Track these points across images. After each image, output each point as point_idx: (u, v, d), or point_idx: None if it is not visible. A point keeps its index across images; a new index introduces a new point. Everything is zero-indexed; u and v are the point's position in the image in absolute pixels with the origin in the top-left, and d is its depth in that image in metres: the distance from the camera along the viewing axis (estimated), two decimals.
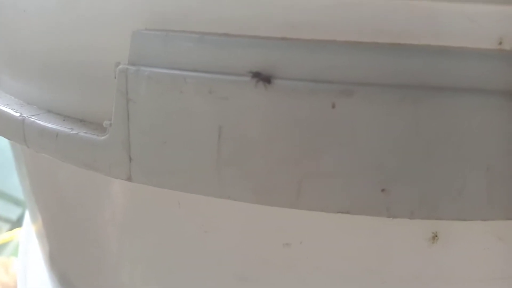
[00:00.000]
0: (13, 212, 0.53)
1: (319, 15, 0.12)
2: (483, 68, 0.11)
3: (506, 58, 0.11)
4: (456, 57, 0.11)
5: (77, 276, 0.23)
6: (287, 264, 0.15)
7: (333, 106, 0.11)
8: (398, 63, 0.11)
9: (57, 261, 0.25)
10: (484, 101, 0.11)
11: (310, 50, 0.11)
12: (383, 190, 0.12)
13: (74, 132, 0.14)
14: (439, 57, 0.11)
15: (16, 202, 0.54)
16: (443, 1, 0.11)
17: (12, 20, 0.16)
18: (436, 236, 0.14)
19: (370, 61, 0.11)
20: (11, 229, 0.51)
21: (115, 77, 0.12)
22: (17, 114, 0.15)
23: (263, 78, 0.11)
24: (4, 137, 0.16)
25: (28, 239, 0.32)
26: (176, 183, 0.13)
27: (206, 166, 0.12)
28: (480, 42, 0.12)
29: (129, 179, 0.13)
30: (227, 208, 0.14)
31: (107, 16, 0.13)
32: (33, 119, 0.15)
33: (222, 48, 0.12)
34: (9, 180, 0.51)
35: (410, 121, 0.11)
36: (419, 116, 0.11)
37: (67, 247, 0.23)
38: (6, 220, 0.52)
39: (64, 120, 0.15)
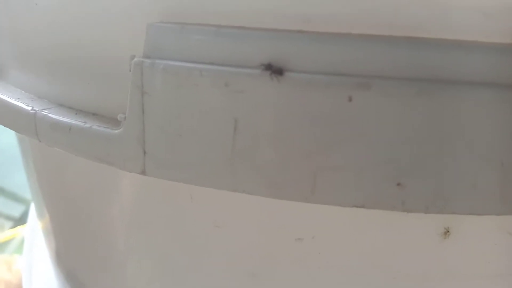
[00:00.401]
0: (15, 210, 0.53)
1: (334, 8, 0.12)
2: (497, 62, 0.11)
3: None
4: (470, 51, 0.11)
5: (84, 272, 0.23)
6: (299, 259, 0.15)
7: (350, 100, 0.11)
8: (414, 57, 0.11)
9: (64, 257, 0.25)
10: (498, 95, 0.11)
11: (325, 42, 0.11)
12: (398, 184, 0.12)
13: (87, 125, 0.14)
14: (453, 51, 0.11)
15: (18, 199, 0.54)
16: None
17: (22, 14, 0.16)
18: (448, 231, 0.14)
19: (386, 54, 0.11)
20: (13, 226, 0.51)
21: (130, 70, 0.12)
22: (29, 108, 0.15)
23: (275, 70, 0.11)
24: (15, 131, 0.16)
25: (33, 236, 0.32)
26: (191, 177, 0.13)
27: (221, 159, 0.12)
28: (494, 36, 0.12)
29: (143, 172, 0.13)
30: (239, 202, 0.14)
31: (121, 8, 0.13)
32: (45, 113, 0.15)
33: (237, 41, 0.12)
34: (11, 178, 0.51)
35: (425, 114, 0.11)
36: (434, 110, 0.11)
37: (75, 243, 0.23)
38: (9, 218, 0.52)
39: (76, 113, 0.15)
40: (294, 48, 0.11)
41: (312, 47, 0.11)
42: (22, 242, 0.44)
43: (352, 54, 0.11)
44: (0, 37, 0.18)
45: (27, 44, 0.16)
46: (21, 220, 0.51)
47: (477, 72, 0.11)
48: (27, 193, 0.52)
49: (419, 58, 0.11)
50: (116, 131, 0.13)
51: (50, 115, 0.15)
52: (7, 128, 0.17)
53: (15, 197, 0.54)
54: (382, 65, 0.11)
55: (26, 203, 0.52)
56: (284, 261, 0.15)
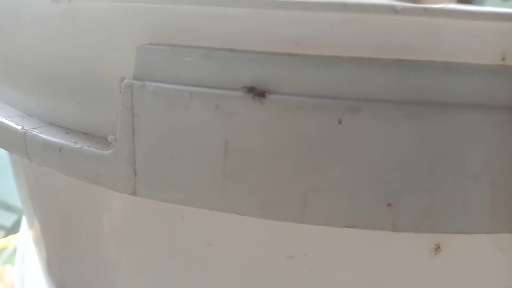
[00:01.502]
0: (7, 219, 0.52)
1: (324, 31, 0.12)
2: (487, 83, 0.12)
3: (509, 74, 0.12)
4: (459, 73, 0.12)
5: (74, 285, 0.23)
6: (291, 276, 0.15)
7: (340, 122, 0.11)
8: (403, 79, 0.11)
9: (55, 269, 0.25)
10: (487, 116, 0.11)
11: (313, 65, 0.11)
12: (389, 204, 0.12)
13: (78, 146, 0.14)
14: (443, 73, 0.11)
15: (10, 208, 0.53)
16: (447, 18, 0.11)
17: (12, 31, 0.16)
18: (439, 247, 0.14)
19: (376, 77, 0.11)
20: (5, 236, 0.50)
21: (120, 92, 0.12)
22: (19, 127, 0.15)
23: (258, 93, 0.11)
24: (6, 150, 0.16)
25: (25, 247, 0.31)
26: (182, 198, 0.13)
27: (212, 180, 0.12)
28: (483, 58, 0.12)
29: (134, 193, 0.13)
30: (231, 221, 0.14)
31: (110, 29, 0.13)
32: (35, 132, 0.15)
33: (225, 63, 0.12)
34: (3, 186, 0.51)
35: (415, 137, 0.11)
36: (424, 132, 0.11)
37: (66, 256, 0.23)
38: (1, 227, 0.51)
39: (67, 133, 0.15)
40: (280, 71, 0.11)
41: (300, 70, 0.11)
42: (14, 252, 0.44)
43: (341, 77, 0.11)
44: None
45: (18, 61, 0.16)
46: (12, 229, 0.51)
47: (466, 94, 0.11)
48: (19, 202, 0.51)
49: (408, 81, 0.11)
50: (107, 152, 0.13)
51: (40, 134, 0.14)
52: None
53: (6, 206, 0.53)
54: (371, 88, 0.11)
55: (18, 212, 0.52)
56: (277, 279, 0.15)
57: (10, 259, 0.44)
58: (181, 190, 0.13)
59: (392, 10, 0.11)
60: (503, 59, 0.12)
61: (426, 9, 0.11)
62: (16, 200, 0.51)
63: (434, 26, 0.12)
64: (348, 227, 0.12)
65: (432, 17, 0.11)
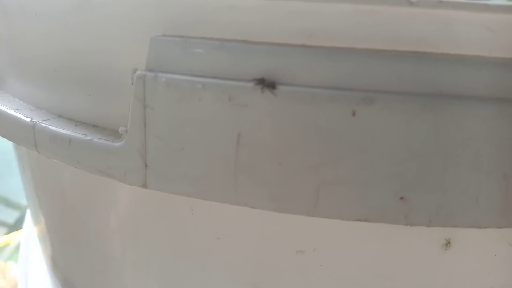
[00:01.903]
0: (10, 216, 0.52)
1: (337, 23, 0.12)
2: (501, 76, 0.11)
3: None
4: (473, 66, 0.11)
5: (80, 281, 0.23)
6: (300, 271, 0.15)
7: (354, 114, 0.11)
8: (418, 72, 0.11)
9: (60, 265, 0.25)
10: (501, 110, 0.11)
11: (327, 57, 0.11)
12: (401, 198, 0.12)
13: (88, 138, 0.14)
14: (458, 66, 0.11)
15: (12, 205, 0.53)
16: (461, 10, 0.11)
17: (22, 24, 0.16)
18: (449, 243, 0.14)
19: (390, 69, 0.11)
20: (8, 233, 0.50)
21: (132, 83, 0.12)
22: (28, 119, 0.15)
23: (268, 84, 0.11)
24: (14, 142, 0.16)
25: (29, 243, 0.31)
26: (193, 190, 0.13)
27: (224, 172, 0.12)
28: (498, 51, 0.12)
29: (144, 186, 0.13)
30: (240, 214, 0.14)
31: (123, 21, 0.13)
32: (44, 124, 0.15)
33: (238, 55, 0.12)
34: (5, 183, 0.51)
35: (429, 129, 0.11)
36: (438, 124, 0.11)
37: (72, 251, 0.23)
38: (3, 224, 0.51)
39: (76, 125, 0.15)
40: (292, 63, 0.11)
41: (313, 61, 0.11)
42: (16, 248, 0.44)
43: (355, 68, 0.11)
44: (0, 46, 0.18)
45: (27, 54, 0.16)
46: (15, 226, 0.51)
47: (480, 87, 0.11)
48: (21, 199, 0.51)
49: (423, 73, 0.11)
50: (117, 144, 0.13)
51: (49, 126, 0.14)
52: None
53: (9, 203, 0.53)
54: (386, 79, 0.11)
55: (21, 209, 0.51)
56: (286, 273, 0.15)
57: (13, 256, 0.44)
58: (192, 182, 0.12)
59: (407, 2, 0.11)
60: None
61: (441, 2, 0.11)
62: (18, 197, 0.51)
63: (448, 19, 0.12)
64: (360, 220, 0.12)
65: (447, 9, 0.11)
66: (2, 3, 0.16)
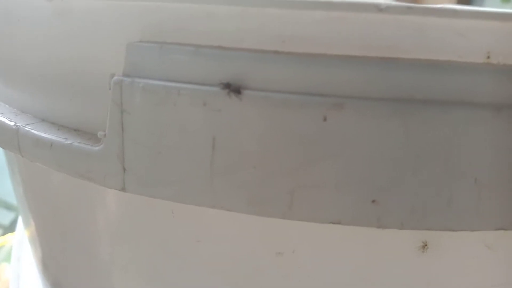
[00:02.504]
0: (5, 217, 0.52)
1: (309, 29, 0.12)
2: (471, 81, 0.12)
3: (493, 72, 0.12)
4: (444, 71, 0.12)
5: (69, 282, 0.23)
6: (280, 273, 0.15)
7: (325, 119, 0.11)
8: (388, 77, 0.11)
9: (50, 267, 0.25)
10: (472, 114, 0.12)
11: (298, 62, 0.12)
12: (373, 201, 0.12)
13: (68, 142, 0.14)
14: (428, 71, 0.12)
15: (8, 207, 0.53)
16: (431, 16, 0.12)
17: (6, 29, 0.16)
18: (426, 245, 0.14)
19: (360, 74, 0.11)
20: (3, 234, 0.50)
21: (109, 89, 0.12)
22: (12, 123, 0.15)
23: (233, 88, 0.11)
24: None
25: (21, 245, 0.32)
26: (170, 194, 0.13)
27: (200, 176, 0.12)
28: (468, 56, 0.12)
29: (123, 189, 0.13)
30: (220, 217, 0.15)
31: (102, 27, 0.14)
32: (27, 128, 0.15)
33: (211, 60, 0.12)
34: (1, 185, 0.51)
35: (400, 134, 0.11)
36: (408, 129, 0.11)
37: (60, 253, 0.23)
38: None
39: (58, 129, 0.15)
40: (261, 68, 0.12)
41: (283, 67, 0.11)
42: (11, 250, 0.44)
43: (327, 74, 0.11)
44: None
45: (12, 59, 0.17)
46: (10, 227, 0.51)
47: (451, 92, 0.12)
48: None
49: (393, 79, 0.11)
50: (96, 148, 0.13)
51: (32, 131, 0.15)
52: None
53: (4, 204, 0.53)
54: (357, 85, 0.11)
55: (16, 211, 0.52)
56: (266, 275, 0.15)
57: (8, 258, 0.44)
58: (169, 186, 0.13)
59: (376, 8, 0.11)
60: (488, 57, 0.12)
61: (410, 8, 0.11)
62: (14, 199, 0.51)
63: (418, 25, 0.12)
64: (334, 223, 0.12)
65: (416, 15, 0.12)
66: None
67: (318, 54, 0.12)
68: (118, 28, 0.13)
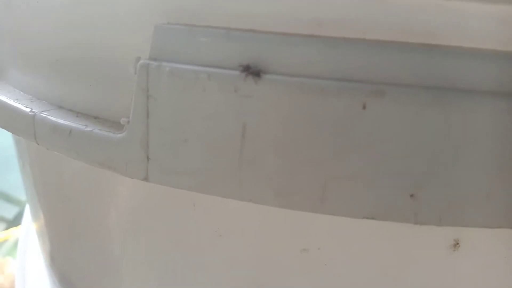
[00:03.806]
0: (9, 211, 0.52)
1: (347, 13, 0.11)
2: None
3: None
4: (486, 59, 0.11)
5: (78, 277, 0.23)
6: (304, 270, 0.14)
7: (364, 107, 0.11)
8: (429, 64, 0.11)
9: (58, 261, 0.24)
10: None
11: (336, 47, 0.11)
12: (411, 195, 0.11)
13: (88, 129, 0.13)
14: (470, 59, 0.11)
15: (12, 200, 0.53)
16: (474, 2, 0.11)
17: (23, 13, 0.16)
18: (458, 243, 0.14)
19: (401, 61, 0.11)
20: (6, 228, 0.50)
21: (135, 73, 0.12)
22: (28, 110, 0.15)
23: (264, 74, 0.11)
24: (13, 133, 0.16)
25: (27, 239, 0.31)
26: (196, 184, 0.12)
27: (228, 166, 0.12)
28: (511, 44, 0.11)
29: (145, 179, 0.13)
30: (243, 211, 0.14)
31: (126, 9, 0.13)
32: (44, 115, 0.14)
33: (244, 44, 0.11)
34: (5, 179, 0.50)
35: (440, 124, 0.11)
36: (449, 119, 0.11)
37: (70, 247, 0.22)
38: (2, 219, 0.51)
39: (77, 116, 0.14)
40: (299, 53, 0.11)
41: (321, 52, 0.11)
42: (15, 244, 0.43)
43: (366, 60, 0.11)
44: (0, 36, 0.17)
45: (28, 44, 0.16)
46: (14, 222, 0.50)
47: (493, 81, 0.11)
48: (20, 194, 0.51)
49: (434, 66, 0.11)
50: (119, 135, 0.13)
51: (49, 117, 0.14)
52: (0, 129, 0.16)
53: (8, 198, 0.53)
54: (396, 72, 0.11)
55: (20, 205, 0.51)
56: (289, 272, 0.15)
57: (11, 252, 0.44)
58: (195, 176, 0.12)
59: None
60: None
61: None
62: (17, 193, 0.51)
63: (461, 11, 0.11)
64: (368, 218, 0.12)
65: (459, 1, 0.11)
66: None
67: (357, 39, 0.11)
68: (142, 10, 0.13)
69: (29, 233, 0.31)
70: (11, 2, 0.16)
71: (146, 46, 0.12)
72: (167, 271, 0.17)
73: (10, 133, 0.17)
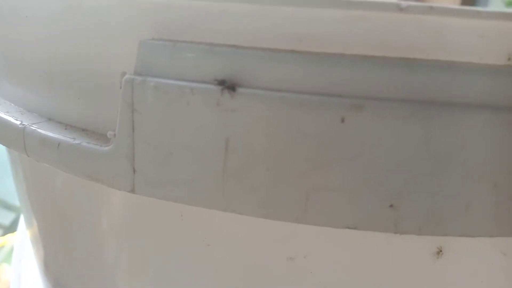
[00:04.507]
0: (5, 217, 0.52)
1: (327, 29, 0.11)
2: (492, 84, 0.11)
3: None
4: (464, 72, 0.11)
5: (71, 283, 0.23)
6: (291, 278, 0.15)
7: (343, 120, 0.11)
8: (408, 78, 0.11)
9: (51, 268, 0.25)
10: (492, 117, 0.11)
11: (316, 62, 0.11)
12: (391, 205, 0.11)
13: (76, 142, 0.13)
14: (448, 73, 0.11)
15: (8, 207, 0.53)
16: (451, 16, 0.11)
17: (13, 26, 0.16)
18: (441, 251, 0.14)
19: (379, 75, 0.11)
20: (3, 234, 0.50)
21: (120, 87, 0.12)
22: (18, 122, 0.15)
23: (228, 86, 0.11)
24: (4, 145, 0.16)
25: (22, 246, 0.31)
26: (181, 196, 0.12)
27: (212, 178, 0.12)
28: (489, 58, 0.12)
29: (132, 191, 0.13)
30: (230, 221, 0.14)
31: (114, 25, 0.13)
32: (34, 128, 0.15)
33: (227, 59, 0.12)
34: (2, 185, 0.50)
35: (419, 136, 0.11)
36: (428, 132, 0.11)
37: (63, 254, 0.22)
38: None
39: (66, 129, 0.15)
40: (278, 67, 0.11)
41: (301, 66, 0.11)
42: (11, 251, 0.43)
43: (345, 74, 0.11)
44: None
45: (19, 57, 0.16)
46: (11, 228, 0.50)
47: (471, 94, 0.11)
48: (17, 201, 0.51)
49: (413, 79, 0.11)
50: (105, 148, 0.13)
51: (38, 130, 0.14)
52: None
53: (5, 205, 0.53)
54: (375, 86, 0.11)
55: (17, 211, 0.51)
56: (276, 280, 0.15)
57: (8, 258, 0.44)
58: (180, 188, 0.12)
59: (397, 8, 0.11)
60: (509, 59, 0.12)
61: (431, 8, 0.11)
62: (14, 199, 0.51)
63: (439, 25, 0.11)
64: (350, 228, 0.12)
65: (437, 15, 0.11)
66: None
67: (336, 53, 0.11)
68: (129, 25, 0.13)
69: (24, 240, 0.31)
70: (2, 16, 0.16)
71: (133, 60, 0.12)
72: (158, 279, 0.17)
73: None
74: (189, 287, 0.16)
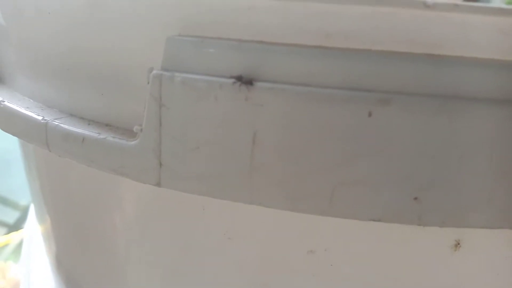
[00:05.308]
0: (10, 216, 0.52)
1: (355, 24, 0.12)
2: None
3: None
4: (489, 68, 0.12)
5: (85, 280, 0.23)
6: (311, 271, 0.15)
7: (370, 115, 0.11)
8: (434, 74, 0.11)
9: (64, 264, 0.25)
10: None
11: (343, 58, 0.11)
12: (415, 198, 0.12)
13: (102, 136, 0.14)
14: (473, 69, 0.12)
15: (12, 205, 0.53)
16: (476, 14, 0.12)
17: (34, 22, 0.16)
18: (459, 243, 0.14)
19: (406, 70, 0.11)
20: (7, 233, 0.50)
21: (148, 83, 0.12)
22: (40, 118, 0.15)
23: (245, 81, 0.11)
24: (25, 140, 0.16)
25: (31, 242, 0.31)
26: (207, 189, 0.13)
27: (239, 172, 0.12)
28: None
29: (158, 184, 0.13)
30: (251, 214, 0.14)
31: (138, 19, 0.13)
32: (56, 123, 0.15)
33: (256, 55, 0.12)
34: (5, 183, 0.50)
35: (444, 131, 0.11)
36: (453, 126, 0.11)
37: (77, 250, 0.23)
38: (3, 224, 0.51)
39: (89, 124, 0.15)
40: (308, 63, 0.11)
41: (330, 62, 0.11)
42: (16, 248, 0.43)
43: (372, 69, 0.11)
44: (9, 44, 0.18)
45: (40, 53, 0.16)
46: (15, 226, 0.50)
47: (495, 90, 0.11)
48: (21, 199, 0.51)
49: (439, 75, 0.11)
50: (132, 143, 0.13)
51: (62, 125, 0.14)
52: (0, 133, 0.16)
53: (9, 203, 0.53)
54: (402, 81, 0.11)
55: (20, 209, 0.51)
56: (296, 273, 0.15)
57: (12, 256, 0.44)
58: (206, 181, 0.13)
59: (424, 5, 0.11)
60: None
61: (456, 5, 0.11)
62: (19, 197, 0.51)
63: (463, 22, 0.12)
64: (374, 220, 0.12)
65: (462, 13, 0.11)
66: (17, 3, 0.16)
67: (364, 49, 0.11)
68: (154, 20, 0.13)
69: (33, 237, 0.32)
70: (23, 13, 0.16)
71: (158, 55, 0.13)
72: (174, 274, 0.17)
73: (10, 137, 0.17)
74: (208, 281, 0.16)
